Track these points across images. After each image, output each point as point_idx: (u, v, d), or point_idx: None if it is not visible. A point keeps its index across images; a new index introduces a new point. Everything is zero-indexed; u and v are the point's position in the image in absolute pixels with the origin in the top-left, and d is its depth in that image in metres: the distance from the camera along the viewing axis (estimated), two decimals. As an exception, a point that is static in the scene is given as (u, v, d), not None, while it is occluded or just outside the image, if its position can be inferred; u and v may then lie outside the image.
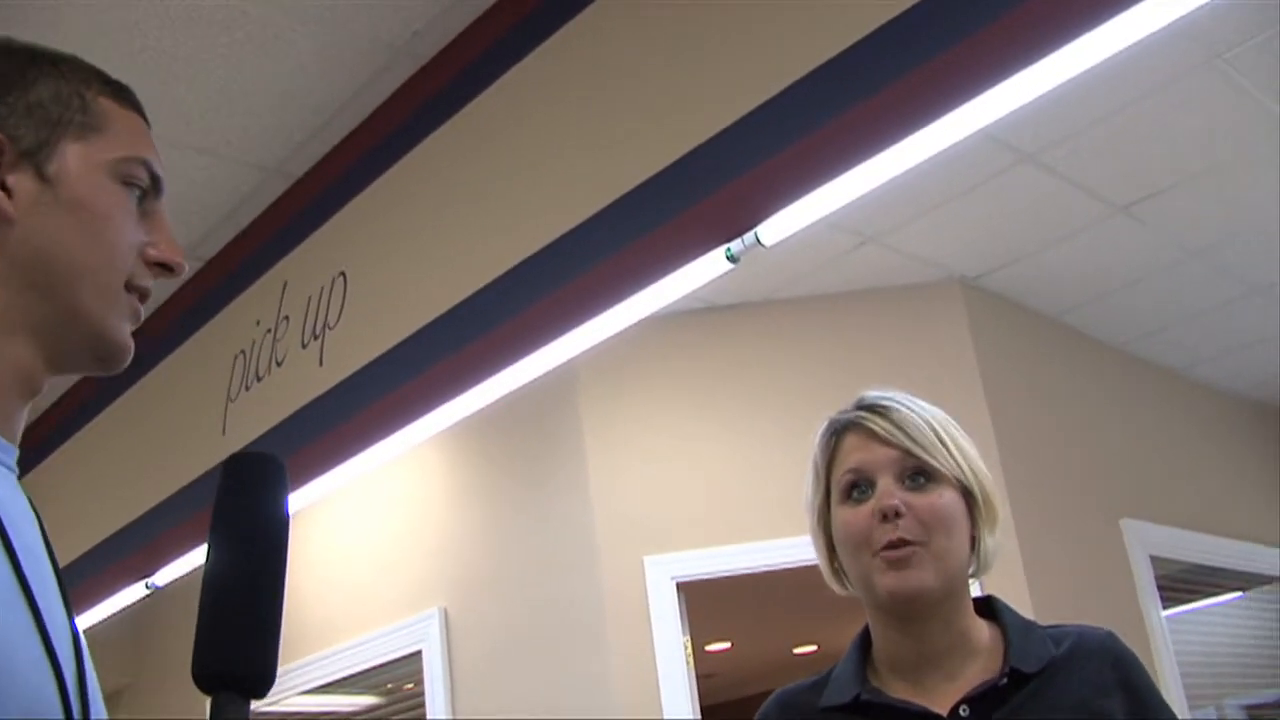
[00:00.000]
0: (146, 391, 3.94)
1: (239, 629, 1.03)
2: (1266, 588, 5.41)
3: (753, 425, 4.03)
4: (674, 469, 3.96)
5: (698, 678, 3.83)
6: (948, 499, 1.57)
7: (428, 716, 4.07)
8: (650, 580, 3.83)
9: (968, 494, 1.59)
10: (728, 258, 2.35)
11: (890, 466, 1.59)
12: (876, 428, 1.61)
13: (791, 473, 3.85)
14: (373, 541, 4.40)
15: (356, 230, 3.14)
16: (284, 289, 3.34)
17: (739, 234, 2.28)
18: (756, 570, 3.91)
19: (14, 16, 2.78)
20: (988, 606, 1.64)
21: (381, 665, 4.33)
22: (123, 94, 1.18)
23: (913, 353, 4.09)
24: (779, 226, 2.30)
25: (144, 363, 3.93)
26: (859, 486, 1.60)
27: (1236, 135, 3.63)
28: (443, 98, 2.94)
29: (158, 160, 1.18)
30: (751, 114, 2.23)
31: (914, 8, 2.02)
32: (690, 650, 3.82)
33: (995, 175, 3.64)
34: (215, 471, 3.36)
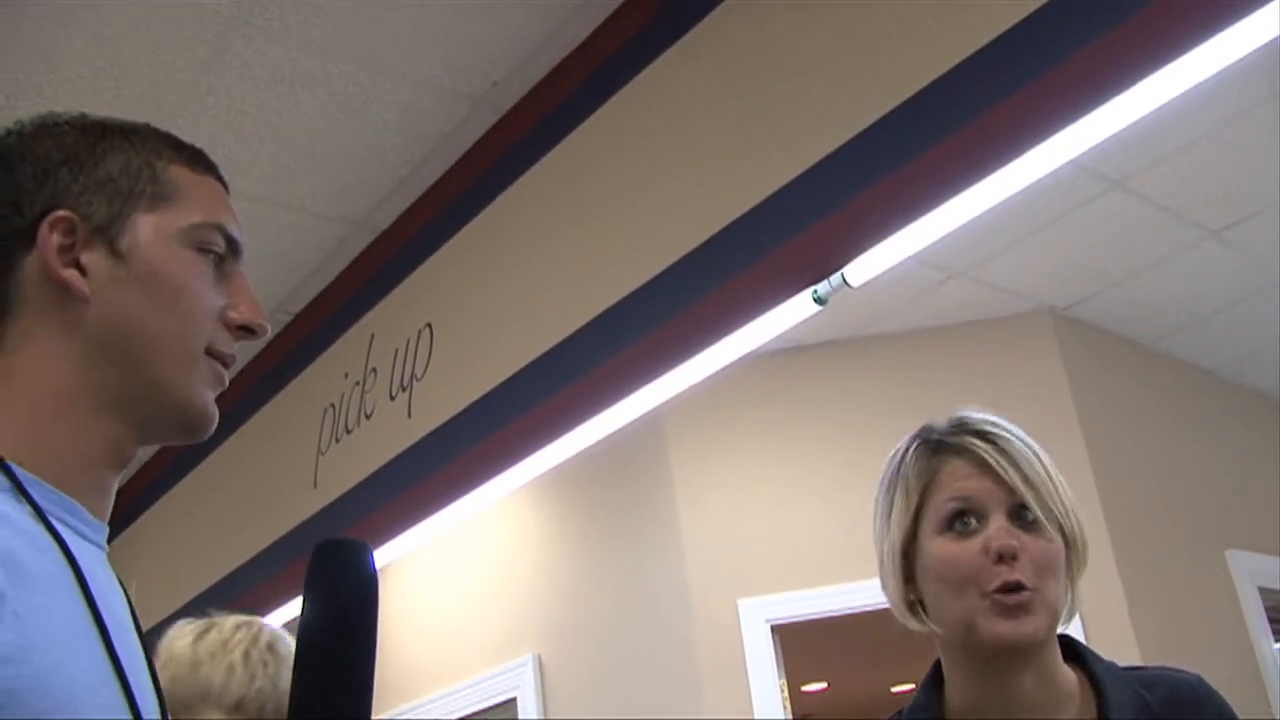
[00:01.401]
0: (238, 447, 3.99)
1: (332, 702, 1.03)
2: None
3: (843, 465, 3.98)
4: (764, 511, 3.93)
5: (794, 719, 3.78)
6: (1057, 544, 1.46)
7: (523, 764, 4.06)
8: (745, 623, 3.80)
9: (1066, 538, 1.48)
10: (815, 300, 2.33)
11: (1002, 503, 1.46)
12: (988, 457, 1.48)
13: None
14: (465, 589, 4.40)
15: (441, 282, 3.15)
16: (371, 341, 3.37)
17: (826, 275, 2.25)
18: (850, 611, 3.86)
19: (106, 89, 2.84)
20: (1069, 650, 1.52)
21: (477, 713, 4.32)
22: (196, 159, 1.18)
23: (1005, 385, 4.02)
24: (865, 267, 2.27)
25: (235, 418, 3.98)
26: (964, 518, 1.47)
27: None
28: (522, 147, 2.95)
29: (235, 223, 1.17)
30: (834, 153, 2.21)
31: (999, 39, 1.99)
32: (787, 693, 3.77)
33: (1083, 204, 3.58)
34: (309, 524, 3.41)
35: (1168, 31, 1.79)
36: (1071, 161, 3.25)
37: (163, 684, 1.04)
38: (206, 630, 1.82)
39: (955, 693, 1.51)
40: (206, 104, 2.96)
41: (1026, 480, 1.46)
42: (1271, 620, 4.38)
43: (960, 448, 1.52)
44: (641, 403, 2.65)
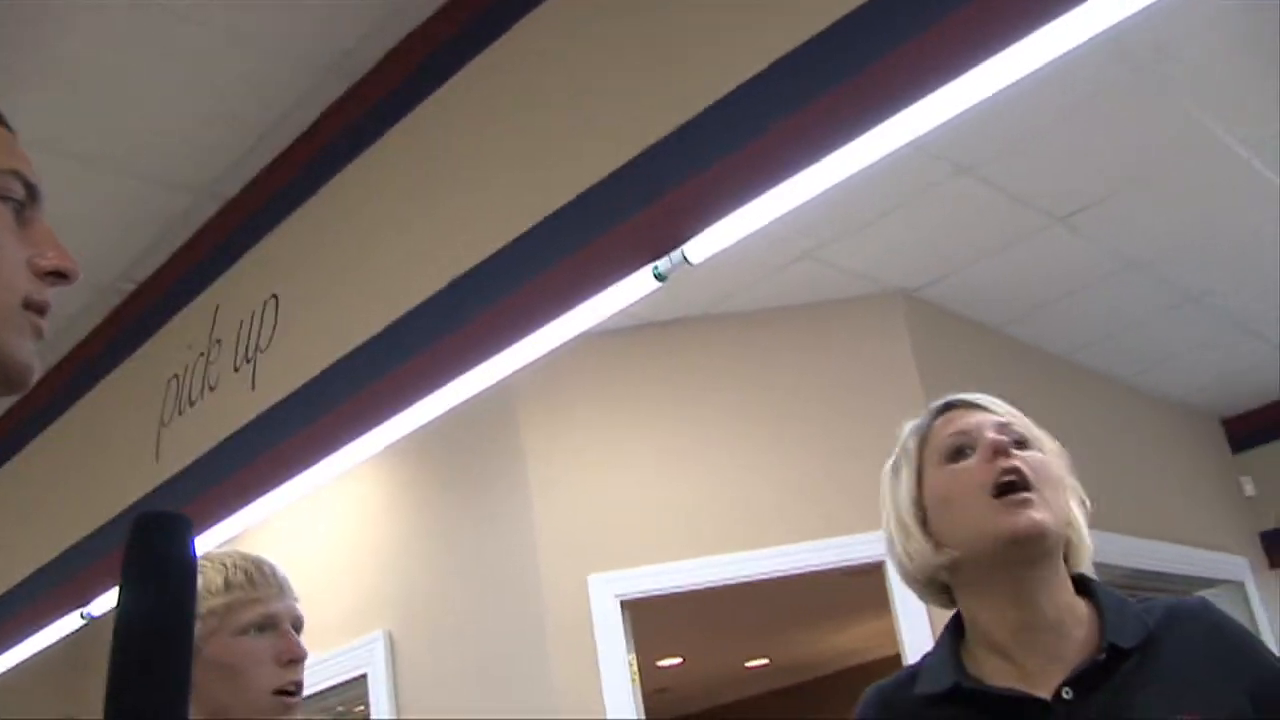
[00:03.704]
0: (79, 418, 3.89)
1: (148, 681, 1.02)
2: (1209, 591, 5.44)
3: (694, 441, 4.02)
4: (615, 486, 3.95)
5: (649, 693, 3.81)
6: (1052, 458, 1.58)
7: (375, 741, 4.04)
8: (594, 598, 3.81)
9: None
10: (655, 276, 2.34)
11: (994, 427, 1.57)
12: (977, 401, 1.63)
13: (734, 487, 3.89)
14: (317, 561, 4.36)
15: (288, 253, 3.11)
16: (216, 312, 3.30)
17: (665, 252, 2.26)
18: (703, 586, 3.90)
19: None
20: (1081, 584, 1.59)
21: (327, 689, 4.28)
22: None
23: (854, 365, 4.10)
24: (706, 244, 2.29)
25: (77, 388, 3.88)
26: (964, 451, 1.58)
27: (1168, 146, 3.66)
28: (371, 118, 2.92)
29: (29, 168, 1.13)
30: (675, 133, 2.22)
31: (840, 21, 2.01)
32: (636, 668, 3.80)
33: (930, 187, 3.65)
34: (149, 498, 3.34)
35: (1005, 16, 1.83)
36: (917, 145, 3.32)
37: None
38: None
39: (976, 625, 1.58)
40: (42, 63, 2.86)
41: (1014, 418, 1.60)
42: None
43: (948, 406, 1.65)
44: (485, 376, 2.64)
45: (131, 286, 3.71)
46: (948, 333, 4.38)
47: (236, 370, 3.14)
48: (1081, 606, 1.55)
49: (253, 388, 3.07)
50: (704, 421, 4.03)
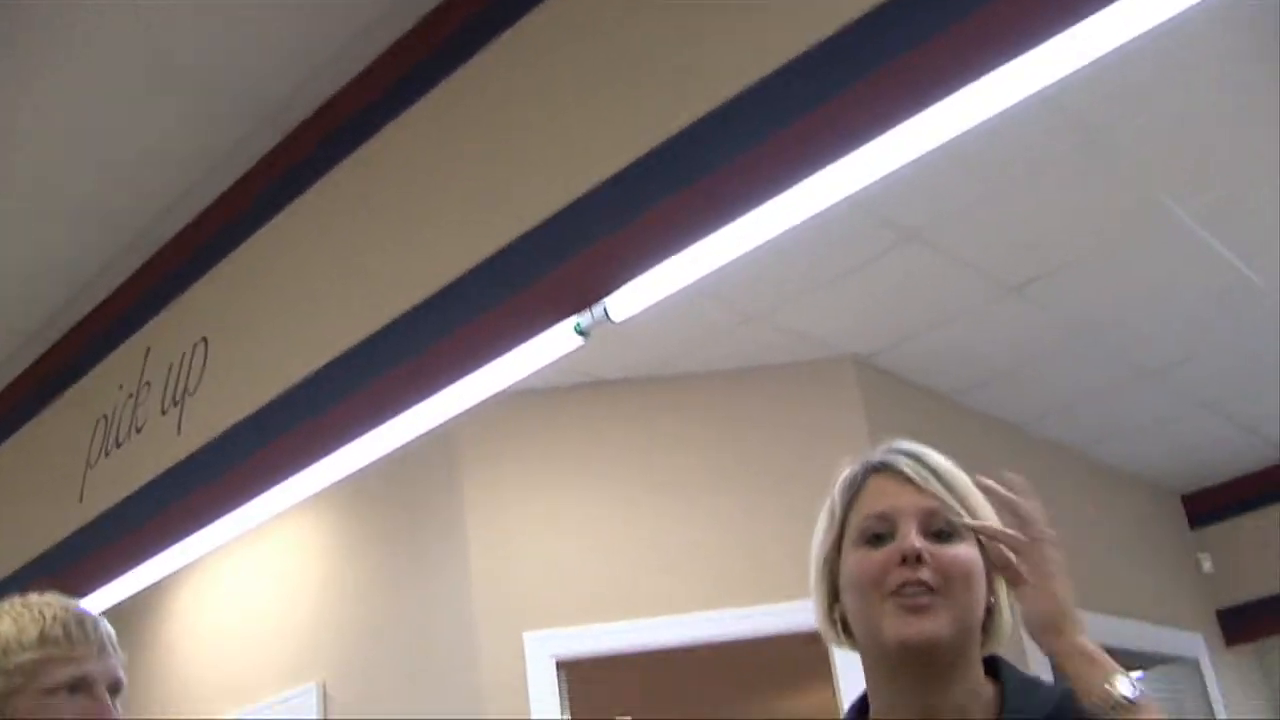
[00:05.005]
0: (10, 455, 3.83)
1: None
2: (1164, 667, 5.39)
3: (640, 501, 3.97)
4: (556, 543, 3.90)
5: None
6: (972, 554, 1.50)
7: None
8: (530, 657, 3.74)
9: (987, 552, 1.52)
10: (577, 331, 2.31)
11: (916, 514, 1.50)
12: (910, 470, 1.54)
13: (679, 549, 3.83)
14: (252, 608, 4.29)
15: (218, 297, 3.08)
16: (147, 355, 3.26)
17: (585, 307, 2.23)
18: (641, 649, 3.83)
19: None
20: (991, 666, 1.54)
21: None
22: None
23: (805, 430, 4.06)
24: (628, 302, 2.25)
25: (9, 425, 3.83)
26: (879, 532, 1.51)
27: (1120, 216, 3.64)
28: (303, 168, 2.91)
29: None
30: (592, 191, 2.21)
31: (772, 74, 1.98)
32: (570, 730, 3.73)
33: (881, 253, 3.63)
34: (70, 539, 3.28)
35: (935, 72, 1.79)
36: (868, 210, 3.33)
37: None
38: None
39: (876, 710, 1.54)
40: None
41: (948, 488, 1.53)
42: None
43: (885, 464, 1.58)
44: (408, 427, 2.62)
45: (66, 328, 3.66)
46: (901, 399, 4.34)
47: (164, 413, 3.10)
48: (988, 691, 1.50)
49: (178, 431, 3.02)
50: (651, 482, 3.99)
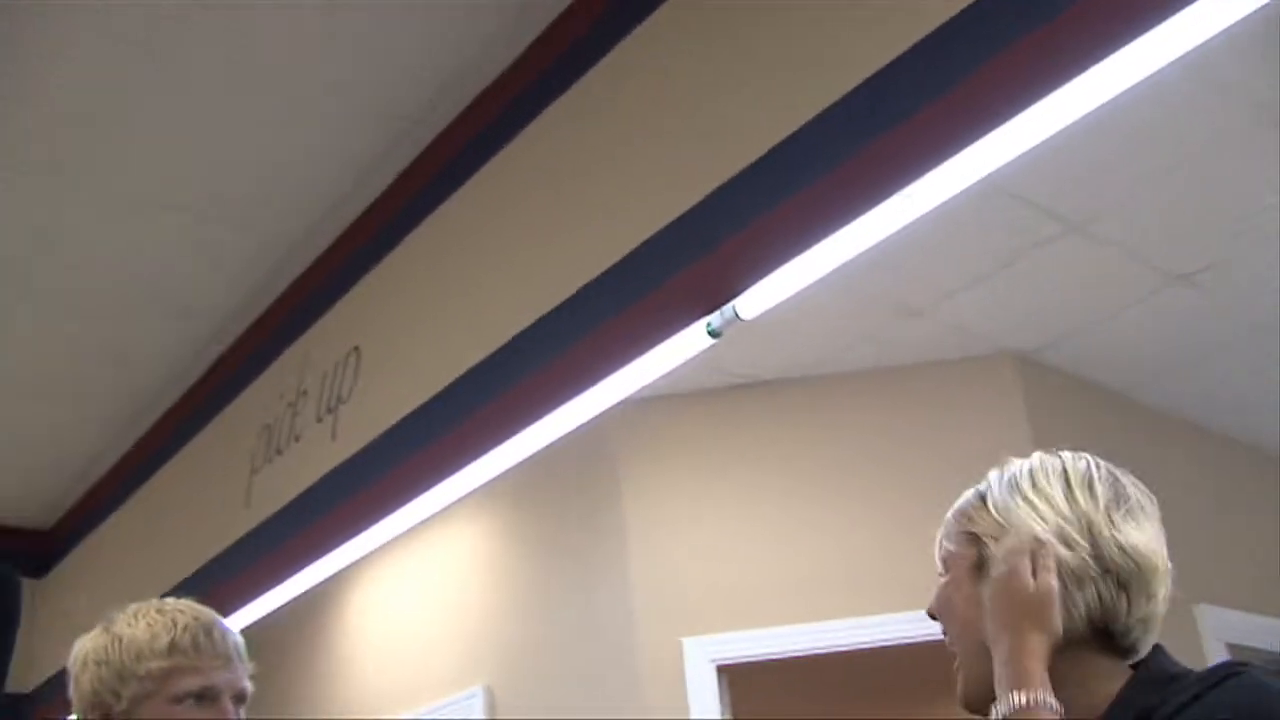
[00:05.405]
0: (181, 465, 3.99)
1: None
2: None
3: (799, 506, 3.92)
4: (716, 548, 3.86)
5: None
6: (942, 582, 1.45)
7: (472, 796, 4.01)
8: (689, 662, 3.72)
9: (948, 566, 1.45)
10: (709, 333, 2.30)
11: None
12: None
13: (838, 554, 3.78)
14: (416, 618, 4.38)
15: (368, 307, 3.16)
16: (304, 363, 3.36)
17: (716, 308, 2.23)
18: (802, 653, 3.78)
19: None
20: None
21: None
22: None
23: (966, 430, 3.95)
24: (757, 300, 2.24)
25: (181, 437, 3.99)
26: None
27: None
28: (444, 176, 2.98)
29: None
30: (720, 190, 2.19)
31: (903, 55, 1.93)
32: (731, 733, 3.70)
33: (1042, 244, 3.51)
34: (239, 544, 3.40)
35: (1074, 45, 1.72)
36: (1026, 201, 3.23)
37: None
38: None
39: None
40: (144, 104, 2.95)
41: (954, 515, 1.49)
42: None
43: None
44: (545, 433, 2.68)
45: (232, 337, 3.79)
46: (1066, 397, 4.20)
47: (319, 421, 3.19)
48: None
49: (333, 438, 3.10)
50: (811, 484, 3.93)
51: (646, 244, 2.32)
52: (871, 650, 3.77)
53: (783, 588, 3.80)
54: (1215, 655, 4.19)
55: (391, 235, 3.10)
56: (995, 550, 1.40)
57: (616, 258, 2.38)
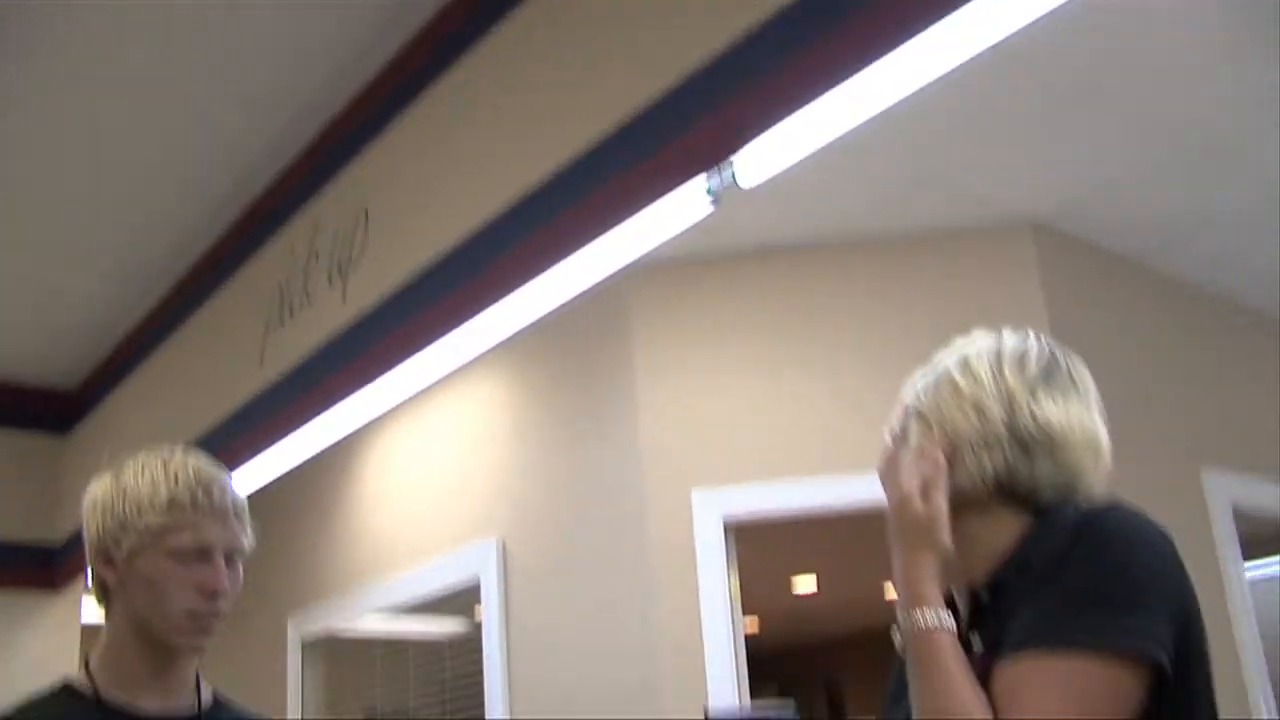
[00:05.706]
0: (198, 326, 4.06)
1: None
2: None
3: (808, 364, 3.95)
4: (725, 404, 3.91)
5: (785, 612, 3.74)
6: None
7: (483, 648, 4.12)
8: (697, 515, 3.79)
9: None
10: (708, 192, 2.31)
11: None
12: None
13: (845, 412, 3.81)
14: (432, 472, 4.46)
15: (375, 171, 3.19)
16: (315, 226, 3.39)
17: (714, 166, 2.24)
18: (814, 508, 3.83)
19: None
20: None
21: (442, 596, 4.39)
22: None
23: (978, 296, 3.96)
24: (759, 166, 2.24)
25: (197, 297, 4.05)
26: None
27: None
28: (449, 43, 2.98)
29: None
30: (737, 43, 2.19)
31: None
32: (737, 592, 3.77)
33: (1054, 112, 3.48)
34: (254, 400, 3.46)
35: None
36: (1047, 69, 3.19)
37: None
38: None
39: None
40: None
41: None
42: (1246, 545, 4.29)
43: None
44: (558, 290, 2.70)
45: (242, 206, 3.83)
46: (1080, 263, 4.19)
47: (330, 283, 3.23)
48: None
49: (344, 300, 3.15)
50: (821, 347, 3.96)
51: (649, 104, 2.32)
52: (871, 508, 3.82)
53: (791, 444, 3.85)
54: (1221, 517, 4.24)
55: (398, 101, 3.11)
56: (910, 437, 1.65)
57: (620, 116, 2.39)
